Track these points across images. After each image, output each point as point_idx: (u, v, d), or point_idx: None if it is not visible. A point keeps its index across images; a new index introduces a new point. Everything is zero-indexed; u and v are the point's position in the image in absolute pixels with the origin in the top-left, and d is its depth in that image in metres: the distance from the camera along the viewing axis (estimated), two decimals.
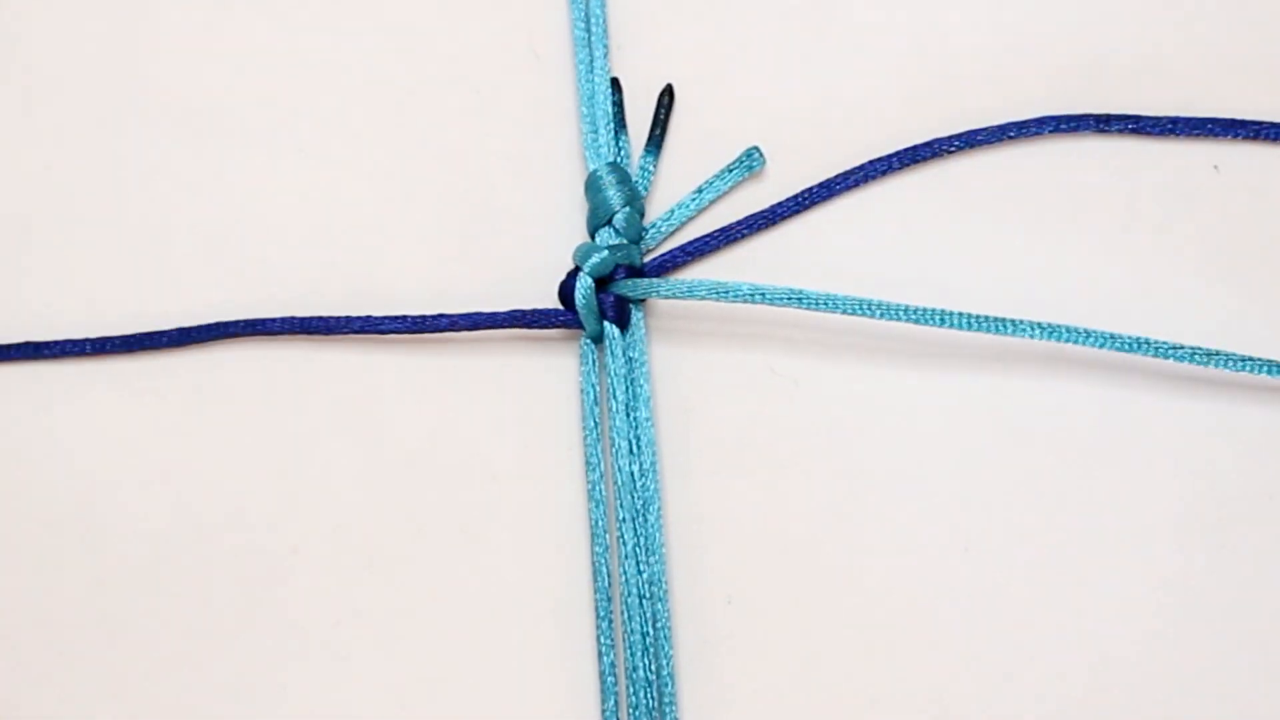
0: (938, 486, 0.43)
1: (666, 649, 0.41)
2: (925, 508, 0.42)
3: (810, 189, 0.45)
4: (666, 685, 0.41)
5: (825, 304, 0.42)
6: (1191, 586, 0.41)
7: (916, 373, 0.43)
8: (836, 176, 0.45)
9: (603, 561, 0.42)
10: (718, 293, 0.43)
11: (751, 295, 0.42)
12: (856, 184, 0.45)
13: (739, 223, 0.44)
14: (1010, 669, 0.42)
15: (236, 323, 0.44)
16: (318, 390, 0.44)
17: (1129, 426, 0.42)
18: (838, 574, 0.42)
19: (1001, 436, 0.43)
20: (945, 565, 0.42)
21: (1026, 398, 0.43)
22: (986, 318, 0.42)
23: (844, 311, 0.42)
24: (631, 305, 0.44)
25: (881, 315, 0.42)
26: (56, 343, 0.45)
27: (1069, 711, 0.41)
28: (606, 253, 0.43)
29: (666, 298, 0.43)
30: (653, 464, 0.42)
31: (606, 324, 0.43)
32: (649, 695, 0.41)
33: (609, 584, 0.42)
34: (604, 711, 0.41)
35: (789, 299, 0.42)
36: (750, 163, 0.45)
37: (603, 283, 0.44)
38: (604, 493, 0.42)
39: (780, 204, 0.45)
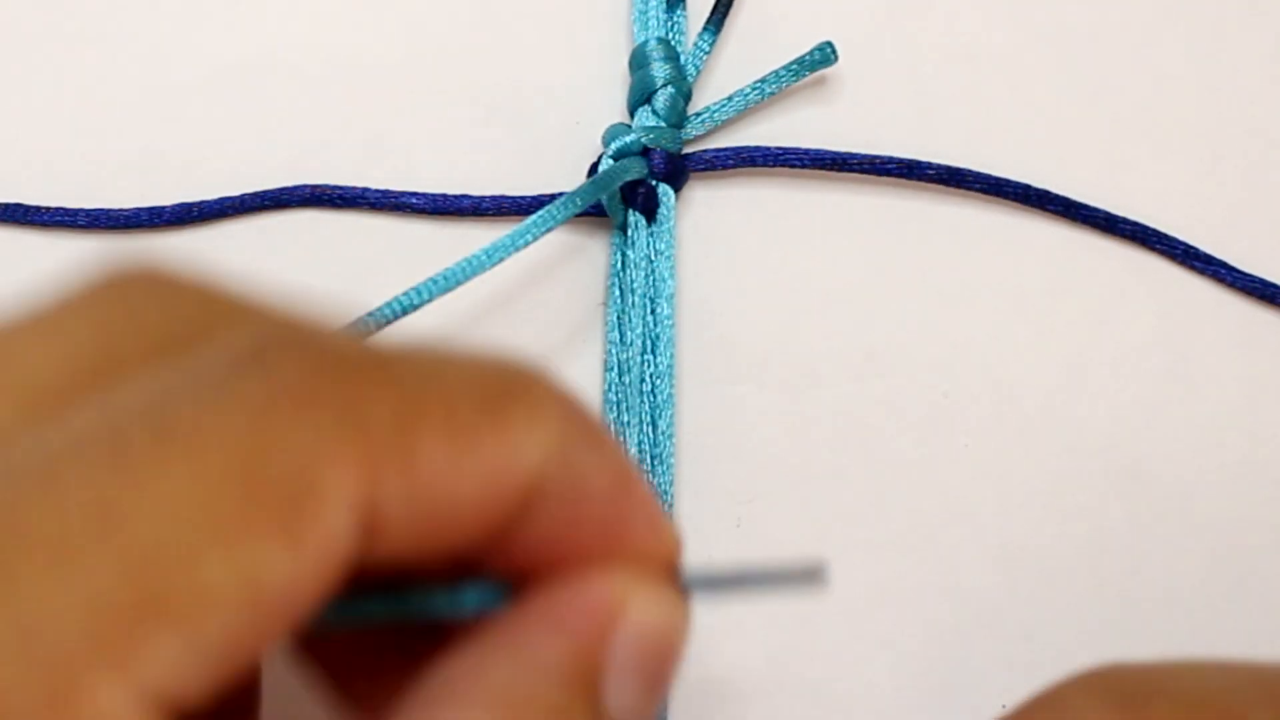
0: (973, 423, 0.40)
1: None
2: (959, 443, 0.40)
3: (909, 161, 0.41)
4: None
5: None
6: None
7: (954, 302, 0.41)
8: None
9: None
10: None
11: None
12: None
13: (802, 152, 0.41)
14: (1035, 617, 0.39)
15: (243, 197, 0.41)
16: (326, 262, 0.42)
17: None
18: (858, 506, 0.40)
19: (1051, 374, 0.41)
20: (976, 508, 0.40)
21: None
22: None
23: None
24: (662, 197, 0.41)
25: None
26: (47, 209, 0.41)
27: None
28: (635, 135, 0.40)
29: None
30: (669, 366, 0.40)
31: (631, 212, 0.40)
32: None
33: None
34: None
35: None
36: (822, 59, 0.42)
37: None
38: (620, 397, 0.39)
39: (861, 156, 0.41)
